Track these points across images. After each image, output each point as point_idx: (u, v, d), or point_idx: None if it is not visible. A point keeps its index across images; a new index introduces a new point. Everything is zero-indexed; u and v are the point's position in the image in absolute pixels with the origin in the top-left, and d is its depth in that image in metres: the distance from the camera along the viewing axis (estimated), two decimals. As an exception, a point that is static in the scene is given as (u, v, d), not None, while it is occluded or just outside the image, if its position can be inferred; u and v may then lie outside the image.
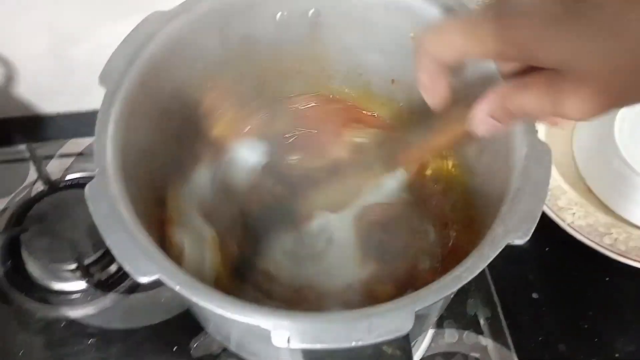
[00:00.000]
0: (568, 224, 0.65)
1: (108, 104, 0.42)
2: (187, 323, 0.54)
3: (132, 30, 0.46)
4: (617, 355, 0.59)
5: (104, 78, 0.43)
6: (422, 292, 0.36)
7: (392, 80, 0.57)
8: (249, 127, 0.58)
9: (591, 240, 0.63)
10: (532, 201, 0.39)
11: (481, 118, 0.35)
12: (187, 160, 0.54)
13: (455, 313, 0.60)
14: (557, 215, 0.65)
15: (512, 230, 0.38)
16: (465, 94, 0.38)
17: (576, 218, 0.65)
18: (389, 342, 0.35)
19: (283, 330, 0.33)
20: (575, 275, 0.65)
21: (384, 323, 0.34)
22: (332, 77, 0.59)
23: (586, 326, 0.61)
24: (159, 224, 0.49)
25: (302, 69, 0.58)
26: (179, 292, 0.35)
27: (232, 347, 0.50)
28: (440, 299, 0.36)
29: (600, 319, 0.62)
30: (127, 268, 0.35)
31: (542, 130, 0.73)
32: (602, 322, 0.61)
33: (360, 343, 0.33)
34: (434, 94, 0.37)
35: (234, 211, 0.53)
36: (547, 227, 0.65)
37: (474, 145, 0.51)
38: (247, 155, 0.56)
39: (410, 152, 0.49)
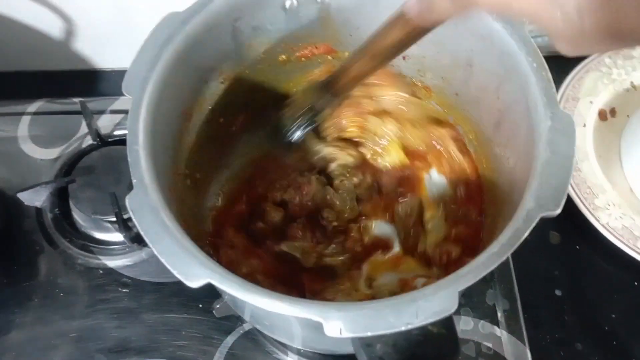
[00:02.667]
0: (602, 224, 0.63)
1: (136, 114, 0.43)
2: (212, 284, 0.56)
3: (149, 35, 0.46)
4: (633, 361, 0.59)
5: (127, 87, 0.44)
6: (463, 271, 0.37)
7: (404, 57, 0.57)
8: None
9: (624, 243, 0.62)
10: (560, 173, 0.39)
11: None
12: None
13: (473, 302, 0.61)
14: (592, 214, 0.64)
15: (545, 204, 0.38)
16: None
17: (612, 219, 0.64)
18: (434, 322, 0.36)
19: (335, 322, 0.34)
20: (603, 276, 0.64)
21: (430, 306, 0.35)
22: (341, 59, 0.59)
23: (607, 328, 0.61)
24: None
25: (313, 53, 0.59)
26: (229, 293, 0.36)
27: (246, 318, 0.53)
28: (482, 278, 0.37)
29: (622, 323, 0.61)
30: (177, 274, 0.36)
31: (590, 125, 0.71)
32: (624, 326, 0.61)
33: (409, 327, 0.34)
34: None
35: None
36: (580, 225, 0.64)
37: (491, 117, 0.51)
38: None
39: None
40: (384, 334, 0.35)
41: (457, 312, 0.59)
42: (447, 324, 0.37)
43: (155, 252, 0.37)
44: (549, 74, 0.44)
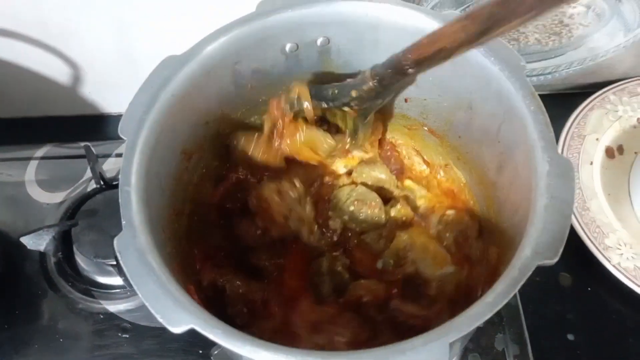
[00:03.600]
0: (613, 265, 0.61)
1: (129, 156, 0.43)
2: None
3: (147, 79, 0.47)
4: (652, 409, 0.56)
5: (123, 129, 0.44)
6: (455, 322, 0.35)
7: (406, 99, 0.56)
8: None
9: (637, 285, 0.60)
10: (559, 220, 0.38)
11: None
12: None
13: (482, 347, 0.59)
14: (603, 255, 0.62)
15: (541, 251, 0.37)
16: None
17: (623, 259, 0.62)
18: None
19: None
20: (616, 319, 0.62)
21: (420, 358, 0.34)
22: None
23: (623, 375, 0.58)
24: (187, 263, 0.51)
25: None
26: (213, 339, 0.35)
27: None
28: (473, 329, 0.36)
29: (639, 368, 0.58)
30: (160, 319, 0.36)
31: (597, 163, 0.70)
32: (641, 372, 0.58)
33: None
34: None
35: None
36: (591, 266, 0.62)
37: (494, 160, 0.50)
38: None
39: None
40: None
41: (465, 357, 0.58)
42: None
43: (140, 295, 0.36)
44: (547, 117, 0.43)
